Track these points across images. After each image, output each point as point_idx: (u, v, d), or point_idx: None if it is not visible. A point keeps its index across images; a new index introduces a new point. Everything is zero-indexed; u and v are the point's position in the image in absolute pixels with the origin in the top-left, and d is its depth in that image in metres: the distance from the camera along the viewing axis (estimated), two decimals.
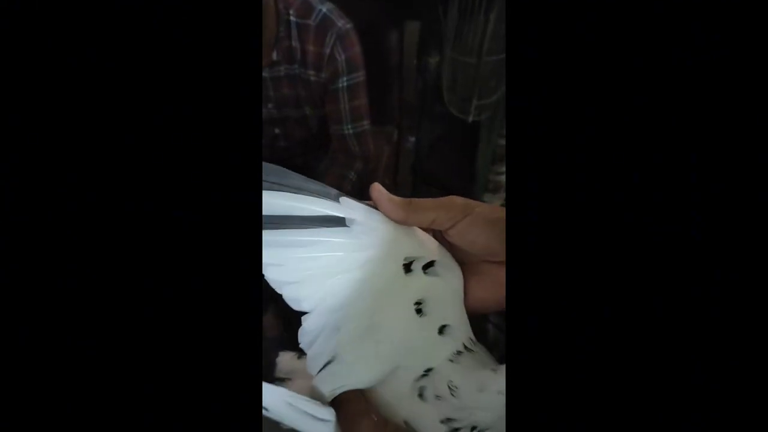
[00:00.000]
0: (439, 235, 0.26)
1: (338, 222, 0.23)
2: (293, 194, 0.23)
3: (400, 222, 0.25)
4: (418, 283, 0.24)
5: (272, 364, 0.27)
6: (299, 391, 0.24)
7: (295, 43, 0.81)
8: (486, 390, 0.22)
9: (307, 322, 0.24)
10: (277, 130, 0.94)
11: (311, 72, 0.83)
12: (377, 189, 0.25)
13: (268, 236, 0.22)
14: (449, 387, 0.22)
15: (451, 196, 0.25)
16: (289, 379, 0.27)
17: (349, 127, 0.89)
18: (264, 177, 0.22)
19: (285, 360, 0.27)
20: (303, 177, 0.24)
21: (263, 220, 0.22)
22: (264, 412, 0.22)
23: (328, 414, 0.23)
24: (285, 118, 0.91)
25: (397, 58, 1.07)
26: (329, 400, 0.24)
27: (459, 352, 0.23)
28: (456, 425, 0.22)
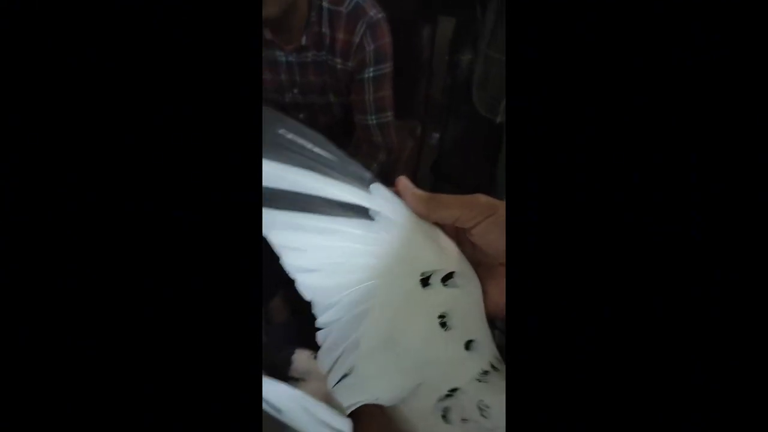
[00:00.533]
0: (462, 234, 0.25)
1: (363, 213, 0.23)
2: (323, 176, 0.22)
3: (423, 217, 0.24)
4: (439, 296, 0.23)
5: (287, 363, 0.26)
6: (314, 394, 0.23)
7: (325, 30, 0.80)
8: None
9: (326, 342, 0.24)
10: (301, 116, 0.94)
11: (338, 60, 0.83)
12: (402, 182, 0.24)
13: (289, 218, 0.22)
14: (479, 407, 0.21)
15: (476, 194, 0.24)
16: (304, 380, 0.26)
17: (373, 117, 0.89)
18: (304, 143, 0.22)
19: (301, 359, 0.27)
20: (342, 154, 0.23)
21: (288, 197, 0.21)
22: (277, 413, 0.22)
23: (345, 426, 0.22)
24: (310, 105, 0.92)
25: (428, 52, 1.05)
26: (347, 413, 0.23)
27: (485, 372, 0.22)
28: None
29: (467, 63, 0.95)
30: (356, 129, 0.93)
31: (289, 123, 0.22)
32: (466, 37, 0.93)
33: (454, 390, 0.22)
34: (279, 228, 0.22)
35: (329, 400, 0.23)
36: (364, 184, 0.23)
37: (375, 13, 0.80)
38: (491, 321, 0.24)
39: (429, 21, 1.01)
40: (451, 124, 1.08)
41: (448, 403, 0.22)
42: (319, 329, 0.24)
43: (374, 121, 0.90)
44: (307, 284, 0.23)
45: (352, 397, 0.23)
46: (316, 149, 0.22)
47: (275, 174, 0.21)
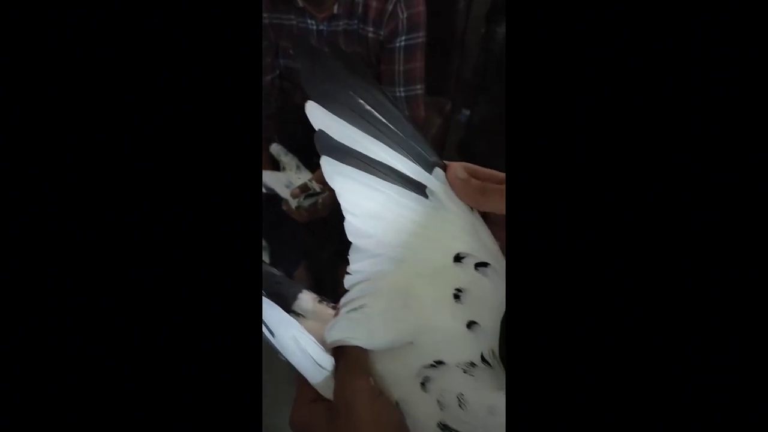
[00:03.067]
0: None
1: (419, 189, 0.24)
2: (391, 150, 0.23)
3: (474, 206, 0.24)
4: (465, 275, 0.24)
5: (293, 297, 0.27)
6: (309, 332, 0.24)
7: None
8: (496, 413, 0.21)
9: (352, 289, 0.25)
10: None
11: (370, 29, 0.81)
12: (453, 168, 0.24)
13: (351, 172, 0.23)
14: (459, 399, 0.22)
15: None
16: (303, 317, 0.27)
17: (401, 90, 0.87)
18: (379, 117, 0.23)
19: (306, 299, 0.28)
20: (415, 132, 0.24)
21: (354, 155, 0.23)
22: (270, 336, 0.23)
23: (328, 362, 0.23)
24: None
25: (462, 26, 1.02)
26: (335, 345, 0.24)
27: (473, 364, 0.23)
28: None
29: (503, 36, 0.92)
30: None
31: (371, 94, 0.23)
32: (503, 7, 0.90)
33: (439, 362, 0.23)
34: (340, 176, 0.23)
35: (321, 341, 0.24)
36: (428, 166, 0.24)
37: None
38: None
39: None
40: (482, 101, 1.06)
41: (430, 372, 0.23)
42: (348, 274, 0.25)
43: (402, 94, 0.88)
44: (352, 227, 0.24)
45: (351, 330, 0.24)
46: (390, 124, 0.23)
47: (347, 135, 0.23)
